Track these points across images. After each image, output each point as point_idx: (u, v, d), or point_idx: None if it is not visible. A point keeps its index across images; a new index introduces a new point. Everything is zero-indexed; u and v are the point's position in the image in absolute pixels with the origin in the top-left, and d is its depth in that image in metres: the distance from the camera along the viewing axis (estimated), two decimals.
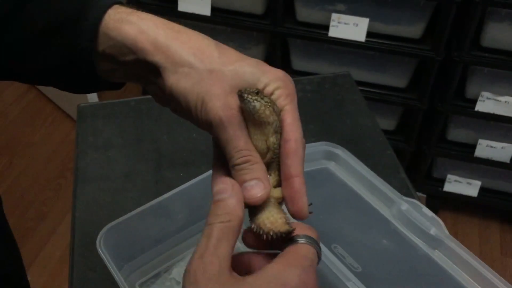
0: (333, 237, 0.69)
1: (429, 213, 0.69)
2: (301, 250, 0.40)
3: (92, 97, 2.07)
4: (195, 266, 0.37)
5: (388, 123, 1.82)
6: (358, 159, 0.76)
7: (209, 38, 0.45)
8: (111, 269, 0.59)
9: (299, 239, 0.41)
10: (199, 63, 0.42)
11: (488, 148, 1.71)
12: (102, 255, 0.60)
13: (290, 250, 0.40)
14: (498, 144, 1.69)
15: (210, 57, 0.43)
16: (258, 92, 0.40)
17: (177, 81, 0.42)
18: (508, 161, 1.72)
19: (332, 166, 0.79)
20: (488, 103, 1.60)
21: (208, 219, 0.40)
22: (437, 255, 0.68)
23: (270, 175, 0.43)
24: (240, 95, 0.40)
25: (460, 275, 0.66)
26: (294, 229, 0.41)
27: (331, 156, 0.79)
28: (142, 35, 0.43)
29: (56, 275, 1.75)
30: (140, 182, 0.85)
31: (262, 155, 0.42)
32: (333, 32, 1.61)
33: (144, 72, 0.45)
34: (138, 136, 0.94)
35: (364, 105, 1.02)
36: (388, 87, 1.72)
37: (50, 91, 2.35)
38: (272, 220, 0.41)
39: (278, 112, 0.42)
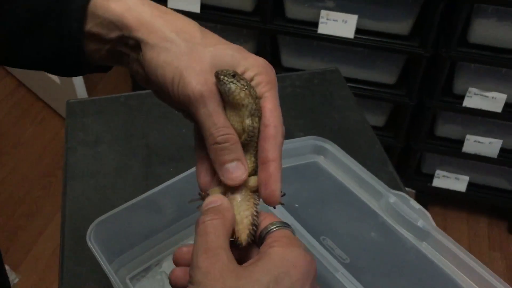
0: (322, 229, 0.70)
1: (417, 205, 0.70)
2: (286, 233, 0.40)
3: (82, 94, 2.06)
4: (202, 261, 0.37)
5: (377, 119, 1.83)
6: (347, 153, 0.77)
7: (194, 22, 0.45)
8: (101, 262, 0.59)
9: (277, 225, 0.41)
10: (181, 40, 0.43)
11: (476, 144, 1.73)
12: (92, 248, 0.60)
13: (279, 234, 0.40)
14: (486, 140, 1.71)
15: (192, 37, 0.43)
16: (235, 75, 0.41)
17: (157, 55, 0.42)
18: (495, 156, 1.74)
19: (321, 160, 0.79)
20: (476, 98, 1.62)
21: (199, 219, 0.40)
22: (424, 247, 0.68)
23: (248, 160, 0.43)
24: (217, 76, 0.40)
25: (447, 266, 0.66)
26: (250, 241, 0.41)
27: (320, 151, 0.79)
28: (128, 12, 0.44)
29: (47, 274, 1.74)
30: (130, 178, 0.86)
31: (238, 136, 0.42)
32: (322, 29, 1.62)
33: (127, 49, 0.45)
34: (127, 131, 0.94)
35: (352, 100, 1.03)
36: (377, 84, 1.73)
37: (39, 89, 2.34)
38: (238, 219, 0.41)
39: (254, 96, 0.42)
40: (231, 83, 0.40)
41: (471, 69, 1.60)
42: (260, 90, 0.43)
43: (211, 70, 0.41)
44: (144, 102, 1.00)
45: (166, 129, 0.94)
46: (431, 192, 1.91)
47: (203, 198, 0.43)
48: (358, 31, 1.60)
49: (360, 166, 0.75)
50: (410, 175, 1.89)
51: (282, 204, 0.43)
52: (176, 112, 1.03)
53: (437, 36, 1.58)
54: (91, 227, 0.62)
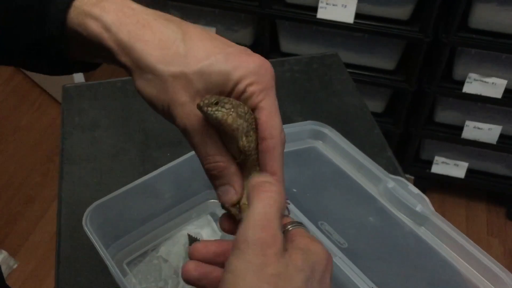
0: (320, 214, 0.70)
1: (415, 190, 0.70)
2: (304, 232, 0.41)
3: (79, 79, 2.05)
4: (264, 240, 0.36)
5: (376, 105, 1.82)
6: (346, 138, 0.76)
7: (177, 29, 0.42)
8: (98, 247, 0.59)
9: (294, 225, 0.41)
10: (163, 66, 0.41)
11: (475, 130, 1.72)
12: (89, 233, 0.60)
13: (297, 231, 0.41)
14: (485, 126, 1.71)
15: (175, 56, 0.41)
16: (218, 102, 0.39)
17: (143, 87, 0.42)
18: (494, 143, 1.73)
19: (319, 145, 0.79)
20: (475, 84, 1.61)
21: (261, 186, 0.39)
22: (422, 232, 0.68)
23: (251, 171, 0.43)
24: (200, 109, 0.39)
25: (445, 251, 0.66)
26: None
27: (318, 135, 0.79)
28: (106, 34, 0.42)
29: (45, 259, 1.74)
30: (127, 162, 0.85)
31: (236, 156, 0.42)
32: (321, 14, 1.60)
33: (119, 65, 0.44)
34: (124, 116, 0.93)
35: (351, 85, 1.02)
36: (376, 69, 1.72)
37: (36, 75, 2.32)
38: None
39: (244, 113, 0.41)
40: (216, 112, 0.39)
41: (471, 54, 1.59)
42: (253, 101, 0.41)
43: (198, 94, 0.41)
44: None
45: None
46: (430, 178, 1.91)
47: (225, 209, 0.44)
48: (357, 16, 1.59)
49: (358, 151, 0.75)
50: (409, 161, 1.89)
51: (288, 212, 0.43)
52: None
53: (437, 21, 1.56)
54: (87, 211, 0.62)
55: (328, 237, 0.66)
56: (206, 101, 0.39)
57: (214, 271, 0.42)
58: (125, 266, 0.69)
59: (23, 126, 2.20)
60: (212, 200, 0.77)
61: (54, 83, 2.21)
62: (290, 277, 0.35)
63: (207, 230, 0.74)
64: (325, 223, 0.69)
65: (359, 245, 0.67)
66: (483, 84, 1.60)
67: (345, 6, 1.58)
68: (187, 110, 0.40)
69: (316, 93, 1.00)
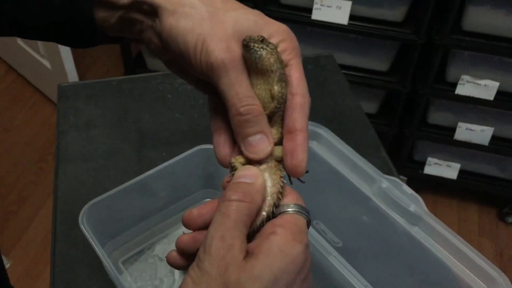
0: (315, 213, 0.70)
1: (409, 190, 0.70)
2: (298, 221, 0.39)
3: (73, 79, 2.05)
4: (216, 248, 0.35)
5: (370, 106, 1.83)
6: (340, 138, 0.77)
7: None
8: (94, 245, 0.59)
9: (293, 209, 0.39)
10: (202, 4, 0.40)
11: (468, 131, 1.73)
12: (85, 231, 0.60)
13: (288, 220, 0.38)
14: (477, 127, 1.72)
15: (213, 2, 0.41)
16: (263, 40, 0.39)
17: (176, 21, 0.40)
18: (487, 144, 1.75)
19: (314, 145, 0.79)
20: (468, 86, 1.62)
21: (226, 194, 0.38)
22: (416, 231, 0.69)
23: (274, 130, 0.41)
24: (246, 44, 0.38)
25: (439, 250, 0.67)
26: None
27: (313, 136, 0.79)
28: None
29: (38, 259, 1.74)
30: (122, 162, 0.85)
31: (266, 106, 0.40)
32: (316, 15, 1.61)
33: (140, 15, 0.43)
34: (120, 115, 0.93)
35: (346, 86, 1.02)
36: (370, 71, 1.73)
37: (30, 74, 2.31)
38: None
39: (281, 60, 0.40)
40: (261, 49, 0.38)
41: (464, 56, 1.60)
42: (285, 57, 0.41)
43: (234, 36, 0.40)
44: (137, 86, 0.99)
45: (159, 113, 0.94)
46: (423, 179, 1.92)
47: (232, 169, 0.41)
48: (352, 17, 1.60)
49: (353, 151, 0.75)
50: (402, 162, 1.90)
51: (302, 182, 0.41)
52: (169, 96, 1.02)
53: (430, 23, 1.57)
54: (83, 210, 0.62)
55: (323, 236, 0.66)
56: (253, 37, 0.38)
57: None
58: (120, 265, 0.69)
59: (16, 125, 2.20)
60: (208, 200, 0.78)
61: (47, 82, 2.20)
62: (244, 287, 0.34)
63: None
64: (320, 222, 0.69)
65: (354, 244, 0.68)
66: (475, 86, 1.62)
67: (340, 8, 1.58)
68: (225, 44, 0.39)
69: (311, 94, 1.00)
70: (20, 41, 2.18)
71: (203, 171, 0.75)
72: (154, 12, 0.42)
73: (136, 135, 0.90)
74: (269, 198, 0.39)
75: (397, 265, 0.69)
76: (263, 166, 0.40)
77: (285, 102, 0.40)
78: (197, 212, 0.40)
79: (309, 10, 1.61)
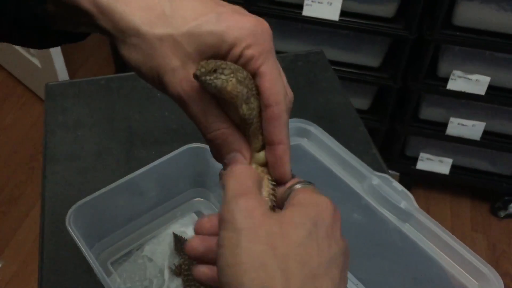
0: None
1: (399, 187, 0.70)
2: (311, 188, 0.39)
3: (63, 77, 2.03)
4: (244, 203, 0.34)
5: (362, 102, 1.83)
6: (331, 135, 0.76)
7: None
8: (81, 247, 0.58)
9: (298, 184, 0.39)
10: (148, 28, 0.37)
11: (459, 126, 1.74)
12: (72, 232, 0.59)
13: (302, 189, 0.38)
14: (469, 122, 1.72)
15: (161, 17, 0.37)
16: (216, 69, 0.36)
17: (128, 53, 0.38)
18: (478, 139, 1.75)
19: (304, 142, 0.79)
20: (459, 81, 1.62)
21: (230, 170, 0.38)
22: (407, 228, 0.68)
23: (253, 139, 0.40)
24: (196, 78, 0.36)
25: (430, 247, 0.67)
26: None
27: (303, 133, 0.79)
28: None
29: (30, 259, 1.73)
30: (111, 161, 0.84)
31: (238, 124, 0.39)
32: (307, 11, 1.60)
33: (102, 33, 0.41)
34: (108, 114, 0.92)
35: (336, 83, 1.02)
36: (361, 67, 1.72)
37: (20, 73, 2.30)
38: None
39: (244, 78, 0.37)
40: (215, 81, 0.36)
41: (455, 51, 1.60)
42: (252, 66, 0.38)
43: (189, 58, 0.37)
44: (125, 84, 0.98)
45: (148, 112, 0.93)
46: (415, 174, 1.92)
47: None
48: (343, 13, 1.59)
49: (343, 148, 0.75)
50: (394, 158, 1.90)
51: (293, 176, 0.41)
52: (158, 95, 1.01)
53: (421, 18, 1.57)
54: (70, 211, 0.61)
55: None
56: (203, 69, 0.35)
57: None
58: (109, 266, 0.68)
59: (7, 125, 2.18)
60: (197, 199, 0.77)
61: (38, 81, 2.19)
62: (287, 235, 0.33)
63: (192, 229, 0.74)
64: None
65: None
66: (467, 81, 1.62)
67: (331, 4, 1.58)
68: (180, 77, 0.37)
69: (301, 90, 1.00)
70: None
71: (193, 170, 0.74)
72: (109, 33, 0.39)
73: (125, 134, 0.89)
74: (264, 193, 0.39)
75: (388, 262, 0.69)
76: None
77: (259, 113, 0.39)
78: (207, 219, 0.40)
79: (300, 6, 1.60)
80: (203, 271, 0.38)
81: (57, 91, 0.96)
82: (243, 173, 0.37)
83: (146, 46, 0.37)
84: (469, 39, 1.53)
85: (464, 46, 1.56)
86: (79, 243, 0.58)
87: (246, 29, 0.37)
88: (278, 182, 0.40)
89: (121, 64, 1.96)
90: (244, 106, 0.38)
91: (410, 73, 1.69)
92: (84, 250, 0.58)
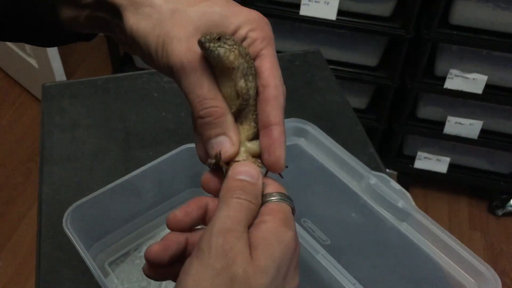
0: (303, 211, 0.70)
1: (397, 186, 0.70)
2: (284, 208, 0.38)
3: (60, 78, 2.03)
4: (225, 239, 0.34)
5: (359, 101, 1.83)
6: (328, 135, 0.76)
7: None
8: (78, 248, 0.58)
9: (277, 197, 0.38)
10: (162, 2, 0.39)
11: (457, 125, 1.74)
12: (69, 233, 0.59)
13: (275, 208, 0.38)
14: (466, 121, 1.72)
15: None
16: (220, 38, 0.37)
17: (137, 22, 0.39)
18: (476, 138, 1.75)
19: (302, 142, 0.79)
20: (457, 80, 1.62)
21: (235, 191, 0.37)
22: (404, 227, 0.68)
23: (245, 126, 0.40)
24: (200, 44, 0.36)
25: (427, 246, 0.67)
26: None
27: (301, 133, 0.79)
28: None
29: (28, 260, 1.72)
30: (108, 162, 0.84)
31: (233, 103, 0.39)
32: (304, 11, 1.60)
33: (106, 15, 0.42)
34: (105, 115, 0.92)
35: (333, 82, 1.02)
36: (359, 66, 1.72)
37: (17, 73, 2.29)
38: None
39: (245, 54, 0.38)
40: (218, 48, 0.36)
41: (453, 50, 1.60)
42: (255, 48, 0.39)
43: (197, 32, 0.38)
44: (122, 85, 0.98)
45: (145, 112, 0.93)
46: (413, 173, 1.92)
47: (215, 164, 0.39)
48: (340, 12, 1.59)
49: (341, 147, 0.75)
50: (392, 157, 1.90)
51: (286, 167, 0.40)
52: (155, 95, 1.01)
53: (418, 17, 1.57)
54: (67, 212, 0.61)
55: (310, 234, 0.66)
56: (208, 37, 0.36)
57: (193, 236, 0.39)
58: (107, 267, 0.68)
59: (4, 126, 2.17)
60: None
61: (35, 82, 2.18)
62: (249, 282, 0.33)
63: None
64: (308, 220, 0.69)
65: (342, 242, 0.68)
66: (464, 80, 1.62)
67: (328, 3, 1.58)
68: (185, 46, 0.37)
69: (298, 90, 1.00)
70: None
71: (190, 171, 0.74)
72: (117, 12, 0.40)
73: (122, 134, 0.89)
74: None
75: (386, 261, 0.69)
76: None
77: (255, 96, 0.39)
78: (183, 212, 0.40)
79: (297, 6, 1.60)
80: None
81: (53, 91, 0.96)
82: (241, 204, 0.36)
83: (157, 16, 0.38)
84: (466, 38, 1.53)
85: (461, 45, 1.57)
86: (76, 244, 0.58)
87: (252, 16, 0.40)
88: (271, 169, 0.39)
89: (119, 65, 1.95)
90: (242, 80, 0.38)
91: (408, 72, 1.69)
92: (81, 251, 0.58)
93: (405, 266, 0.68)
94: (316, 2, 1.58)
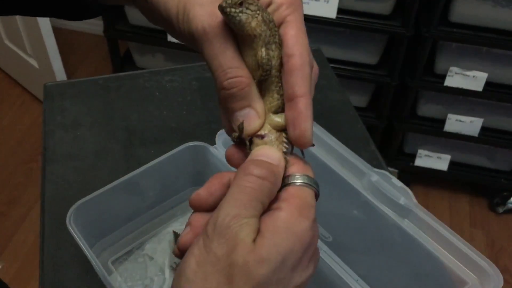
0: None
1: (398, 183, 0.70)
2: (304, 194, 0.36)
3: (61, 78, 2.03)
4: (230, 221, 0.33)
5: (359, 99, 1.83)
6: (329, 133, 0.77)
7: None
8: (82, 246, 0.58)
9: (300, 180, 0.36)
10: None
11: (457, 123, 1.74)
12: (73, 232, 0.59)
13: (294, 194, 0.36)
14: (467, 119, 1.72)
15: None
16: (242, 2, 0.34)
17: None
18: (476, 135, 1.76)
19: None
20: (457, 78, 1.62)
21: (248, 167, 0.35)
22: (406, 224, 0.69)
23: (268, 98, 0.37)
24: (221, 9, 0.34)
25: (429, 243, 0.67)
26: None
27: None
28: None
29: (30, 260, 1.73)
30: (110, 161, 0.84)
31: (255, 74, 0.37)
32: (304, 9, 1.60)
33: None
34: (107, 114, 0.92)
35: (334, 80, 1.02)
36: (359, 64, 1.73)
37: (18, 74, 2.29)
38: None
39: (268, 21, 0.36)
40: (239, 14, 0.34)
41: (452, 48, 1.60)
42: (281, 14, 0.37)
43: None
44: (124, 84, 0.98)
45: (147, 111, 0.93)
46: (414, 171, 1.92)
47: (239, 137, 0.38)
48: (340, 11, 1.59)
49: (342, 145, 0.75)
50: (393, 155, 1.90)
51: (313, 145, 0.37)
52: (157, 93, 1.01)
53: (418, 15, 1.58)
54: (71, 210, 0.61)
55: None
56: (229, 1, 0.34)
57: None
58: (110, 265, 0.69)
59: (5, 126, 2.18)
60: None
61: (35, 82, 2.19)
62: (249, 271, 0.32)
63: None
64: None
65: (344, 239, 0.68)
66: (464, 78, 1.62)
67: (328, 2, 1.58)
68: (208, 10, 0.35)
69: None
70: (6, 40, 2.16)
71: (192, 169, 0.74)
72: None
73: (124, 133, 0.89)
74: None
75: (388, 258, 0.69)
76: (265, 139, 0.37)
77: (279, 66, 0.37)
78: (206, 192, 0.38)
79: None
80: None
81: (55, 91, 0.96)
82: (258, 189, 0.34)
83: None
84: (466, 36, 1.54)
85: (461, 42, 1.57)
86: (80, 243, 0.58)
87: None
88: (297, 143, 0.37)
89: (119, 64, 1.96)
90: (263, 49, 0.36)
91: (408, 70, 1.69)
92: (85, 249, 0.58)
93: (407, 263, 0.69)
94: (316, 0, 1.59)
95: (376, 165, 0.82)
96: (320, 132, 0.77)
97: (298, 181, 0.36)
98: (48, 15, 0.47)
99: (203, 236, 0.34)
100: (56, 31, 2.05)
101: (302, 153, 0.39)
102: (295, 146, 0.38)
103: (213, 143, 0.71)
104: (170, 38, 1.76)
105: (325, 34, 1.70)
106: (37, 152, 2.06)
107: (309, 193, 0.36)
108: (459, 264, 0.64)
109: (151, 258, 0.70)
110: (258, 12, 0.35)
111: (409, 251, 0.68)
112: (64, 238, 0.71)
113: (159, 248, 0.70)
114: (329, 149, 0.76)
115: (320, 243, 0.63)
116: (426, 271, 0.67)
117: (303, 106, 0.36)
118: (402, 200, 0.68)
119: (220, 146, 0.71)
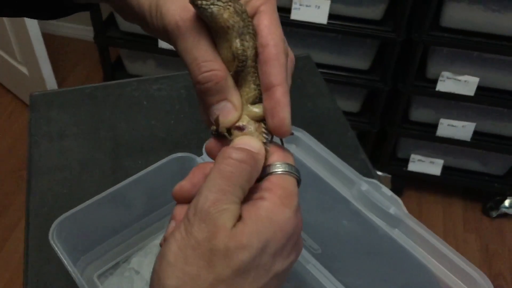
0: None
1: (388, 192, 0.70)
2: (286, 183, 0.36)
3: (52, 86, 2.02)
4: (210, 207, 0.33)
5: (352, 105, 1.83)
6: (319, 141, 0.76)
7: None
8: (65, 261, 0.57)
9: (281, 169, 0.37)
10: None
11: (450, 127, 1.74)
12: (55, 247, 0.58)
13: (276, 183, 0.36)
14: (459, 123, 1.72)
15: None
16: None
17: None
18: (468, 140, 1.75)
19: (292, 148, 0.78)
20: (448, 82, 1.62)
21: (227, 151, 0.35)
22: (396, 234, 0.68)
23: (245, 89, 0.38)
24: (193, 2, 0.34)
25: (420, 253, 0.66)
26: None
27: (291, 139, 0.78)
28: None
29: (19, 271, 1.71)
30: (97, 172, 0.83)
31: (231, 66, 0.37)
32: (295, 15, 1.60)
33: None
34: (94, 124, 0.91)
35: (324, 87, 1.01)
36: (351, 69, 1.72)
37: (8, 81, 2.28)
38: None
39: (241, 11, 0.36)
40: (211, 6, 0.34)
41: (444, 53, 1.60)
42: (254, 4, 0.37)
43: None
44: (111, 93, 0.97)
45: (134, 120, 0.92)
46: (407, 176, 1.92)
47: (217, 130, 0.38)
48: (331, 16, 1.59)
49: (332, 154, 0.74)
50: (386, 160, 1.90)
51: (292, 134, 0.38)
52: (144, 103, 1.00)
53: (409, 20, 1.57)
54: (53, 224, 0.60)
55: None
56: None
57: None
58: (95, 279, 0.67)
59: None
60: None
61: (26, 90, 2.17)
62: (229, 256, 0.32)
63: None
64: None
65: (333, 250, 0.67)
66: (456, 82, 1.62)
67: (319, 7, 1.58)
68: (180, 4, 0.35)
69: None
70: None
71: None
72: None
73: (111, 144, 0.88)
74: None
75: (378, 269, 0.68)
76: (244, 131, 0.38)
77: (254, 56, 0.37)
78: (189, 183, 0.38)
79: (288, 10, 1.60)
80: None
81: (41, 101, 0.95)
82: (237, 171, 0.34)
83: None
84: (457, 40, 1.54)
85: (452, 47, 1.57)
86: (63, 258, 0.57)
87: None
88: (275, 132, 0.37)
89: (110, 71, 1.94)
90: (238, 40, 0.36)
91: (399, 75, 1.69)
92: (67, 265, 0.57)
93: (397, 273, 0.68)
94: (307, 6, 1.58)
95: (366, 174, 0.81)
96: (310, 140, 0.76)
97: (279, 169, 0.37)
98: (20, 14, 0.46)
99: (184, 221, 0.34)
100: (46, 37, 2.04)
101: (282, 142, 0.40)
102: (274, 135, 0.38)
103: (201, 153, 0.70)
104: (161, 45, 1.75)
105: (317, 39, 1.69)
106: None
107: (291, 181, 0.36)
108: (450, 274, 0.63)
109: (138, 272, 0.68)
110: (229, 3, 0.35)
111: (400, 261, 0.67)
112: (49, 252, 0.70)
113: (146, 262, 0.69)
114: (318, 158, 0.75)
115: (308, 256, 0.62)
116: (417, 281, 0.66)
117: (280, 95, 0.36)
118: (392, 210, 0.68)
119: (207, 157, 0.70)
